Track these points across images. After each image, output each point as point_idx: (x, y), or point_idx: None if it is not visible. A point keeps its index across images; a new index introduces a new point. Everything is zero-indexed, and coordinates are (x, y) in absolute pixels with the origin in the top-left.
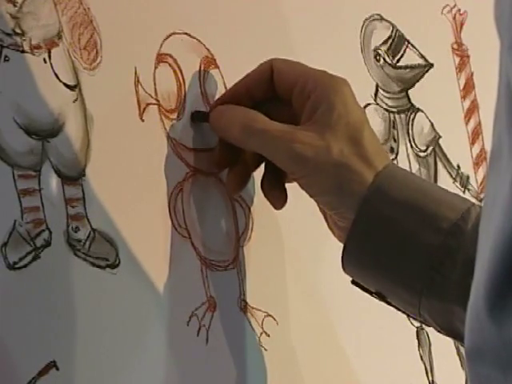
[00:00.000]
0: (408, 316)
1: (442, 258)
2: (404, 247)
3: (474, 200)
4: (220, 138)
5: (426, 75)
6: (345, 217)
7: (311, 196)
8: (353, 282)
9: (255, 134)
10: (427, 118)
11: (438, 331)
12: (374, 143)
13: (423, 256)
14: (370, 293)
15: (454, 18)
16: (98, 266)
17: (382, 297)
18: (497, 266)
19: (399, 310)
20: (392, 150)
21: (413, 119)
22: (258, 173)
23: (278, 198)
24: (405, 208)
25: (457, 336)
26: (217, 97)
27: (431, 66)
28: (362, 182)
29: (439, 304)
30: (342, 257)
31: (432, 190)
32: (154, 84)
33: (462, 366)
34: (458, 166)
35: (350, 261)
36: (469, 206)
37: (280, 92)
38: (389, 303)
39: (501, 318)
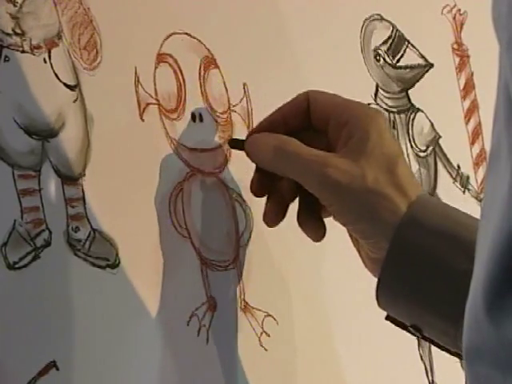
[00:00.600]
0: (444, 350)
1: None
2: (439, 275)
3: (473, 200)
4: (256, 165)
5: (426, 75)
6: (379, 247)
7: (344, 225)
8: (387, 318)
9: (288, 157)
10: (427, 118)
11: None
12: (408, 174)
13: (458, 283)
14: (405, 327)
15: (454, 18)
16: (98, 266)
17: (418, 330)
18: (495, 266)
19: (434, 343)
20: None
21: (413, 119)
22: None
23: (315, 230)
24: (439, 236)
25: None
26: (217, 97)
27: (431, 66)
28: (396, 211)
29: None
30: (377, 290)
31: (465, 218)
32: (154, 84)
33: (461, 366)
34: (458, 166)
35: (384, 293)
36: None
37: (316, 123)
38: (424, 337)
39: (499, 318)
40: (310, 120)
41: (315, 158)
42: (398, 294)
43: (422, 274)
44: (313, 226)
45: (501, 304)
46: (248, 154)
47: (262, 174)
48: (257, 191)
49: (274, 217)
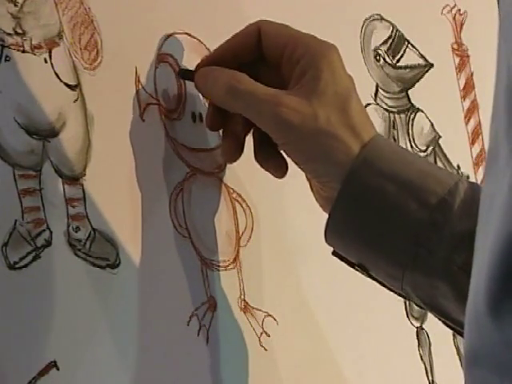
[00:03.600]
0: (389, 290)
1: (429, 232)
2: (390, 220)
3: None
4: (209, 101)
5: (426, 75)
6: (330, 186)
7: (296, 163)
8: (334, 253)
9: (240, 95)
10: (427, 118)
11: (419, 306)
12: (361, 113)
13: (409, 230)
14: (352, 265)
15: (454, 18)
16: (99, 266)
17: (364, 269)
18: (498, 267)
19: (380, 283)
20: None
21: (413, 119)
22: (257, 168)
23: (276, 167)
24: (392, 181)
25: (439, 312)
26: None
27: (431, 66)
28: (348, 153)
29: (423, 279)
30: (326, 227)
31: (419, 164)
32: (155, 84)
33: (461, 365)
34: (458, 166)
35: (333, 231)
36: (456, 181)
37: (268, 55)
38: (371, 276)
39: (502, 319)
40: (262, 52)
41: (267, 96)
42: (346, 233)
43: (371, 217)
44: (272, 162)
45: (504, 305)
46: (198, 88)
47: (215, 107)
48: (211, 125)
49: (231, 153)
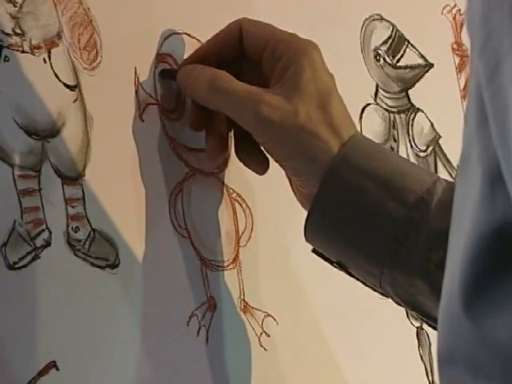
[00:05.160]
0: (368, 287)
1: (406, 230)
2: (368, 218)
3: None
4: (191, 100)
5: (426, 75)
6: (309, 184)
7: (276, 161)
8: (313, 251)
9: (221, 92)
10: (427, 118)
11: (398, 303)
12: (341, 111)
13: (387, 228)
14: (331, 262)
15: (454, 18)
16: (98, 266)
17: (342, 267)
18: (471, 266)
19: (359, 280)
20: (392, 150)
21: (413, 119)
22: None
23: (257, 164)
24: (371, 179)
25: (417, 309)
26: None
27: (431, 65)
28: (328, 151)
29: (401, 276)
30: (305, 225)
31: (398, 162)
32: (154, 84)
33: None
34: (458, 167)
35: (312, 229)
36: (435, 180)
37: (249, 53)
38: (349, 274)
39: (478, 317)
40: (244, 50)
41: (248, 94)
42: (325, 231)
43: (349, 215)
44: (254, 159)
45: (478, 304)
46: (180, 86)
47: (198, 106)
48: (194, 125)
49: (216, 152)
